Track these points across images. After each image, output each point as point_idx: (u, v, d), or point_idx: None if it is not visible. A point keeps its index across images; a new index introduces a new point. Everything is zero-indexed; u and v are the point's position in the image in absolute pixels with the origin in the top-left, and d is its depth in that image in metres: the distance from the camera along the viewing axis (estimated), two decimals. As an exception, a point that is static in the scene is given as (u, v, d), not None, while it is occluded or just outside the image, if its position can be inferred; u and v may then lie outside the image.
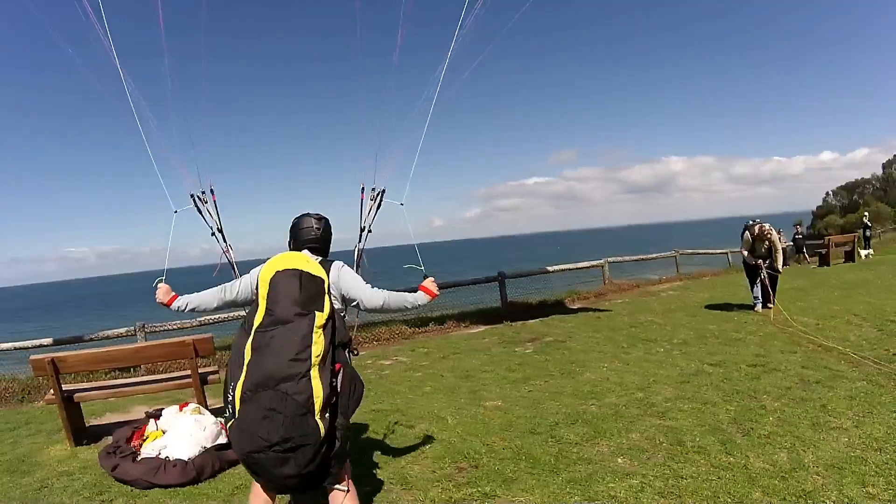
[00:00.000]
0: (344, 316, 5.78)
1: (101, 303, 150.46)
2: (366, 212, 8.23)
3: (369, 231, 8.25)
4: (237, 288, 5.86)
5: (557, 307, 20.40)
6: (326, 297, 5.20)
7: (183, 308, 6.08)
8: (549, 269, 23.93)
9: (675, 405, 8.96)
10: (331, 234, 6.13)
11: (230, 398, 4.93)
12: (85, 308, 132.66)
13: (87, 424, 11.55)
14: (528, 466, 6.97)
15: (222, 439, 8.85)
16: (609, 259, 25.79)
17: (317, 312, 5.01)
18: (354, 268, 7.02)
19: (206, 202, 8.28)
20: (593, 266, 26.04)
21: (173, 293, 6.16)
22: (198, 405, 9.94)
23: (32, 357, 10.80)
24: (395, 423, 9.35)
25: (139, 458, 8.79)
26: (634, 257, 29.50)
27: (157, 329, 17.40)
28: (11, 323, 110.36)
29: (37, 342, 18.14)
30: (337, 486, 5.22)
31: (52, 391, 10.68)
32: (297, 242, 5.98)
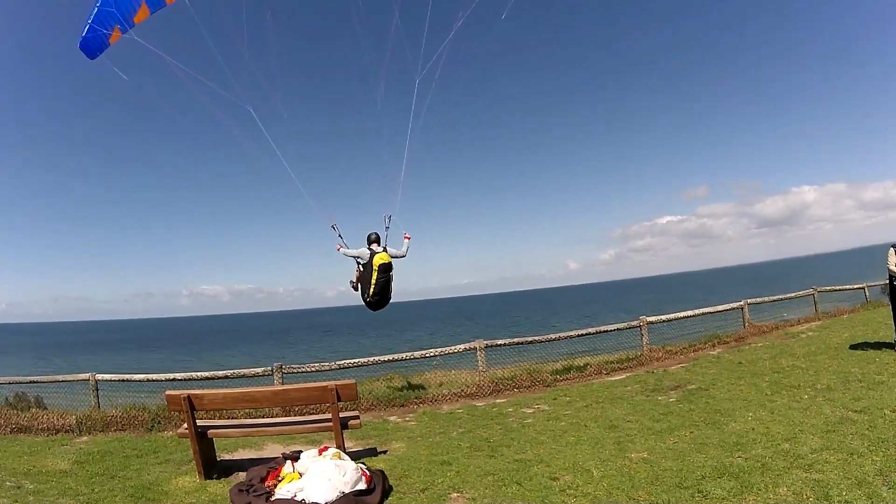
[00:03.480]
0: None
1: (232, 339, 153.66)
2: (387, 219, 14.39)
3: (387, 228, 14.42)
4: (364, 253, 13.73)
5: (699, 352, 19.95)
6: (392, 267, 13.82)
7: (341, 251, 14.35)
8: (689, 313, 23.36)
9: (821, 456, 8.56)
10: (380, 237, 14.05)
11: (368, 290, 13.58)
12: (215, 343, 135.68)
13: (218, 458, 11.74)
14: None
15: (361, 485, 8.73)
16: (749, 300, 25.00)
17: (391, 273, 13.76)
18: (384, 238, 14.24)
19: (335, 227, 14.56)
20: (733, 309, 25.14)
21: (340, 246, 14.38)
22: (338, 450, 9.84)
23: (168, 393, 11.03)
24: (539, 474, 9.06)
25: (273, 498, 8.80)
26: (773, 298, 28.42)
27: (294, 370, 17.56)
28: (140, 352, 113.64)
29: (170, 376, 18.65)
30: None
31: (185, 425, 10.82)
32: (370, 241, 13.88)
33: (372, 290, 13.29)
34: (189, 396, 10.59)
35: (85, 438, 15.28)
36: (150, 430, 15.69)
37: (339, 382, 10.75)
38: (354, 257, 13.69)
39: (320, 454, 9.58)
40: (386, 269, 13.36)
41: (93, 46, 11.90)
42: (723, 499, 7.32)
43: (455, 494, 8.65)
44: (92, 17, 11.39)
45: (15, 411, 18.29)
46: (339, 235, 14.14)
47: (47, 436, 15.83)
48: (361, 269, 13.81)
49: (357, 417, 11.49)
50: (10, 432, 16.33)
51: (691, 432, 10.39)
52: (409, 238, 14.47)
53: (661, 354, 19.66)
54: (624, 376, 17.30)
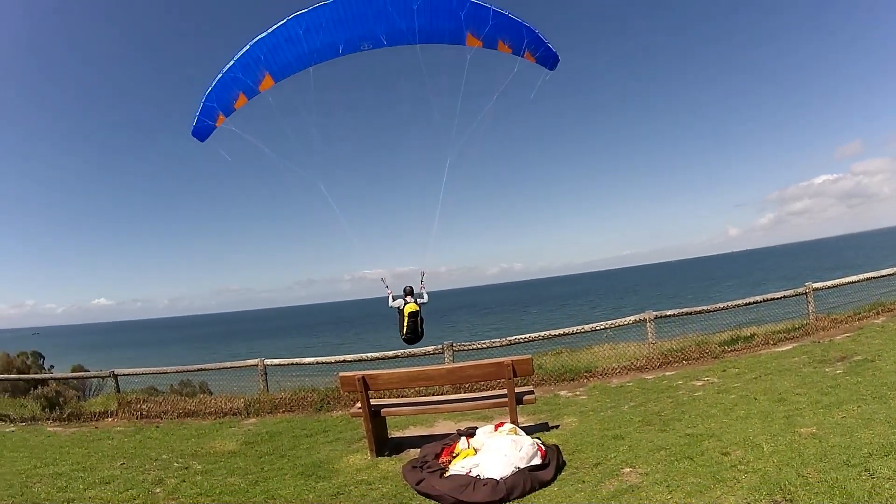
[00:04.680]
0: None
1: (394, 321, 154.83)
2: (421, 276, 15.99)
3: (422, 282, 16.02)
4: (401, 303, 15.08)
5: (863, 321, 19.29)
6: (419, 312, 15.18)
7: (391, 304, 15.66)
8: (854, 278, 22.50)
9: None
10: (413, 289, 15.39)
11: (403, 330, 14.92)
12: (378, 324, 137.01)
13: (389, 436, 12.29)
14: (841, 503, 6.62)
15: (537, 460, 9.01)
16: (915, 263, 23.80)
17: (419, 317, 15.07)
18: (419, 287, 15.96)
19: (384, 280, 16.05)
20: (896, 273, 23.86)
21: (391, 293, 15.58)
22: (514, 425, 10.19)
23: (342, 374, 11.75)
24: (710, 449, 9.08)
25: (447, 474, 9.14)
26: (942, 258, 26.65)
27: (464, 348, 18.07)
28: (304, 338, 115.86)
29: (340, 357, 19.39)
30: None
31: (358, 405, 11.45)
32: (405, 293, 15.19)
33: (405, 330, 16.03)
34: (364, 377, 11.26)
35: (253, 420, 16.32)
36: (319, 410, 16.66)
37: (514, 358, 11.19)
38: (397, 308, 16.28)
39: (496, 430, 9.98)
40: (414, 315, 16.15)
41: (203, 133, 14.44)
42: (889, 479, 7.11)
43: (627, 469, 8.77)
44: (199, 111, 14.08)
45: (181, 397, 19.74)
46: (387, 287, 16.74)
47: (214, 419, 16.97)
48: (399, 313, 16.33)
49: (532, 392, 11.86)
50: (178, 417, 17.57)
51: (858, 406, 10.10)
52: (423, 287, 16.96)
53: (826, 323, 19.20)
54: (790, 347, 16.95)
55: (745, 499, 7.05)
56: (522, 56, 14.05)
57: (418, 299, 16.71)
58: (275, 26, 12.99)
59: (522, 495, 8.40)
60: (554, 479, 8.84)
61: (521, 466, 8.84)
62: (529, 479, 8.63)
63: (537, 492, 8.50)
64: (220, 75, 13.56)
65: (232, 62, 13.36)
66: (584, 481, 8.59)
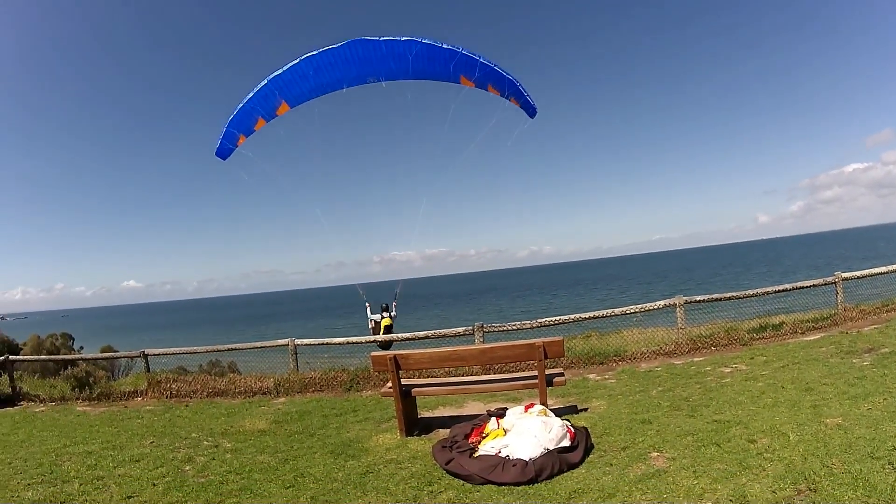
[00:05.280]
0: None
1: (424, 301, 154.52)
2: (396, 294, 20.01)
3: (395, 299, 20.18)
4: (377, 317, 19.78)
5: (891, 313, 19.05)
6: (392, 325, 19.91)
7: (368, 314, 20.17)
8: (883, 269, 22.21)
9: None
10: (389, 306, 20.17)
11: (380, 339, 18.82)
12: (407, 306, 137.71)
13: (419, 416, 12.33)
14: (864, 495, 6.61)
15: (566, 442, 9.05)
16: (947, 254, 23.58)
17: (393, 331, 19.76)
18: (394, 301, 20.36)
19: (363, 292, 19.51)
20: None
21: (368, 306, 20.15)
22: (544, 407, 10.23)
23: (374, 354, 11.85)
24: (737, 436, 9.09)
25: (477, 454, 9.19)
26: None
27: (494, 329, 18.07)
28: (332, 319, 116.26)
29: (370, 338, 19.65)
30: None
31: (389, 384, 11.49)
32: (381, 308, 19.98)
33: (382, 333, 19.31)
34: (395, 357, 11.29)
35: (282, 400, 16.54)
36: (349, 390, 16.86)
37: (545, 340, 11.12)
38: (374, 319, 19.97)
39: (526, 411, 10.00)
40: (388, 328, 19.74)
41: (224, 154, 15.88)
42: (912, 472, 7.14)
43: (655, 454, 8.83)
44: (222, 135, 15.57)
45: (211, 377, 19.96)
46: (366, 302, 20.28)
47: (244, 398, 17.24)
48: (375, 324, 20.01)
49: (562, 374, 11.82)
50: (207, 396, 17.94)
51: (884, 399, 10.07)
52: (396, 305, 20.79)
53: (854, 314, 19.08)
54: (818, 336, 16.85)
55: (770, 487, 7.10)
56: (508, 101, 15.41)
57: (391, 314, 20.55)
58: (288, 66, 14.71)
59: (551, 477, 8.43)
60: (582, 461, 8.88)
61: (551, 448, 8.88)
62: (558, 460, 8.68)
63: (565, 474, 8.53)
64: (240, 105, 15.04)
65: (251, 94, 14.91)
66: (611, 464, 8.64)
